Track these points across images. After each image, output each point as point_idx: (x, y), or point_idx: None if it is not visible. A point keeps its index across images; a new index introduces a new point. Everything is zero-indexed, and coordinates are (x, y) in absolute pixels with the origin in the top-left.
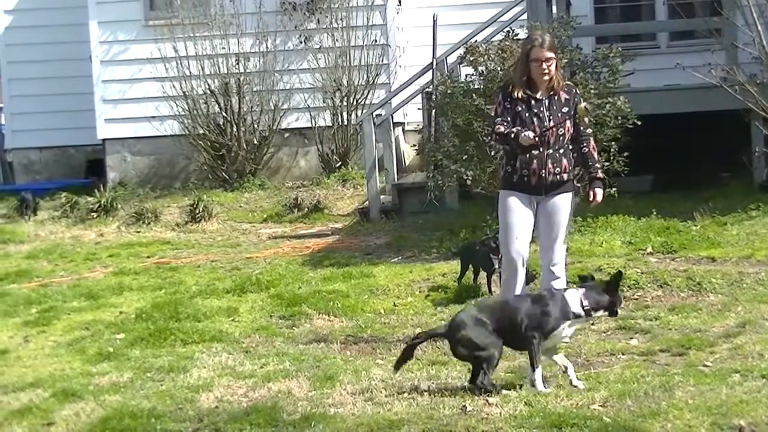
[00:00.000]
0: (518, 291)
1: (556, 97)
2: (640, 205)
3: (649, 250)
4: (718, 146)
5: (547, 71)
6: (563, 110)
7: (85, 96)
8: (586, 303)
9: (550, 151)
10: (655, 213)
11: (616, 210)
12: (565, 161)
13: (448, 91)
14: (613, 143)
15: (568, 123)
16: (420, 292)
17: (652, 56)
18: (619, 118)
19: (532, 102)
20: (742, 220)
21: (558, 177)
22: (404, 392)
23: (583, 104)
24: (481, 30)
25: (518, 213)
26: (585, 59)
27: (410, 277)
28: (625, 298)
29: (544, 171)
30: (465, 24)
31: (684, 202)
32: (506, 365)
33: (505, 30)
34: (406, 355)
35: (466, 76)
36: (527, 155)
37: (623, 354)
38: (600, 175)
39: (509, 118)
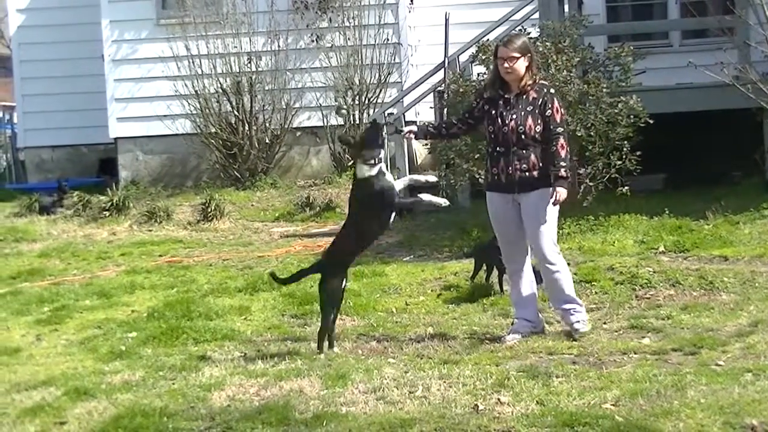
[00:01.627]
0: (527, 288)
1: (523, 96)
2: (652, 203)
3: (662, 249)
4: (730, 145)
5: (510, 69)
6: (527, 109)
7: (98, 95)
8: None
9: (515, 148)
10: (667, 212)
11: (628, 209)
12: (533, 158)
13: (460, 90)
14: (625, 142)
15: (529, 121)
16: (432, 291)
17: (665, 55)
18: (632, 116)
19: (500, 102)
20: (755, 219)
21: (527, 174)
22: (416, 391)
23: None
24: (494, 29)
25: (499, 218)
26: (597, 58)
27: (422, 276)
28: (638, 297)
29: (510, 168)
30: (477, 23)
31: (696, 201)
32: (518, 364)
33: (518, 29)
34: None
35: (478, 74)
36: (494, 154)
37: (635, 353)
38: (563, 173)
39: (472, 117)
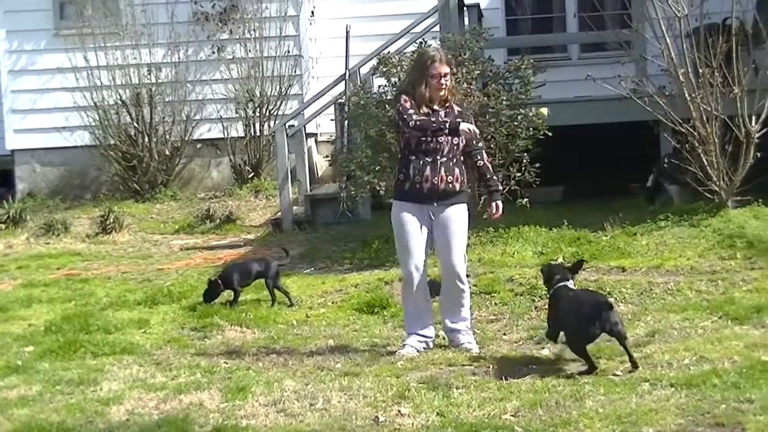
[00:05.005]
0: (422, 303)
1: (450, 109)
2: (551, 215)
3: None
4: (628, 157)
5: (444, 86)
6: (455, 122)
7: None
8: None
9: (444, 159)
10: (566, 223)
11: (527, 220)
12: (457, 171)
13: (361, 102)
14: (524, 154)
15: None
16: (333, 303)
17: (564, 68)
18: (531, 129)
19: (430, 114)
20: (652, 231)
21: (450, 186)
22: (317, 403)
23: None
24: (394, 41)
25: (412, 228)
26: (497, 71)
27: (323, 288)
28: (537, 308)
29: (437, 178)
30: (378, 35)
31: (595, 212)
32: (419, 375)
33: (418, 41)
34: None
35: (379, 87)
36: (420, 162)
37: (534, 364)
38: (499, 187)
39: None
